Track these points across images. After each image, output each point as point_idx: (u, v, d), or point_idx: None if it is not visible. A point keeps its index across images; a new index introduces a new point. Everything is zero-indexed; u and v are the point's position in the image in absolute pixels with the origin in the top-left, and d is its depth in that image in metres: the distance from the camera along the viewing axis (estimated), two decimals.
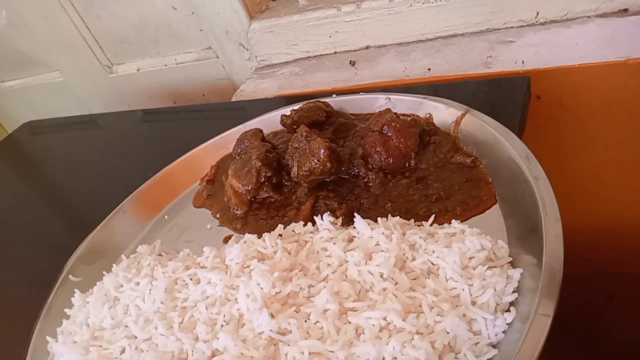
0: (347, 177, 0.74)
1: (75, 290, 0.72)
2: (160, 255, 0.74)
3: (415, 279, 0.54)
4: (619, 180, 0.93)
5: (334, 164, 0.71)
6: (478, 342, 0.47)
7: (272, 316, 0.54)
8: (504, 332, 0.48)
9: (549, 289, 0.46)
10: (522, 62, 0.89)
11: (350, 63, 1.13)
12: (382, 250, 0.57)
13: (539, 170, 0.58)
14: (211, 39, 1.38)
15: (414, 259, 0.56)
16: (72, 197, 1.15)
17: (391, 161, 0.70)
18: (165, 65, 1.55)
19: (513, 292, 0.50)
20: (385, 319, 0.50)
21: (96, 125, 1.53)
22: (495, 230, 0.58)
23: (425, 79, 0.98)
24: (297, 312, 0.55)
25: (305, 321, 0.53)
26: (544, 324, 0.44)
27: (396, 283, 0.54)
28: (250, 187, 0.76)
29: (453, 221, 0.60)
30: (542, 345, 0.43)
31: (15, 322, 0.80)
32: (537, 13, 0.94)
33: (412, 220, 0.63)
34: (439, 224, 0.61)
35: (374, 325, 0.50)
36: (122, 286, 0.68)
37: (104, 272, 0.73)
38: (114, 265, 0.74)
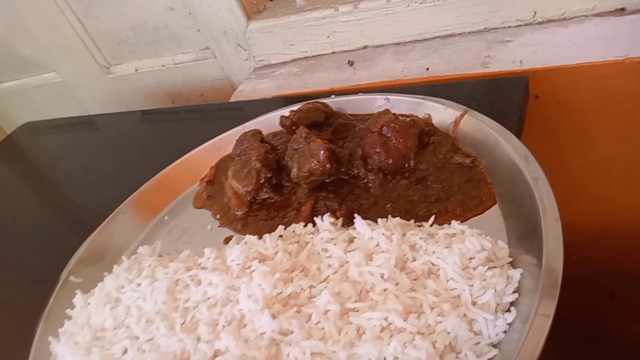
0: (346, 178, 0.74)
1: (77, 291, 0.72)
2: (160, 256, 0.74)
3: (416, 279, 0.54)
4: (618, 180, 0.93)
5: (333, 165, 0.71)
6: (479, 342, 0.47)
7: (274, 317, 0.54)
8: (504, 332, 0.48)
9: (549, 289, 0.47)
10: (520, 62, 0.89)
11: (348, 63, 1.13)
12: (382, 251, 0.57)
13: (538, 171, 0.58)
14: (209, 40, 1.38)
15: (414, 260, 0.56)
16: (71, 198, 1.16)
17: (390, 162, 0.71)
18: (163, 66, 1.55)
19: (513, 292, 0.50)
20: (386, 319, 0.50)
21: (94, 126, 1.52)
22: (495, 230, 0.58)
23: (424, 79, 0.98)
24: (299, 312, 0.55)
25: (307, 322, 0.54)
26: (544, 325, 0.45)
27: (397, 284, 0.54)
28: (250, 188, 0.76)
29: (453, 222, 0.60)
30: (542, 345, 0.43)
31: (16, 324, 0.80)
32: (535, 12, 0.95)
33: (412, 221, 0.63)
34: (439, 225, 0.61)
35: (375, 325, 0.50)
36: (123, 287, 0.68)
37: (105, 273, 0.73)
38: (114, 266, 0.74)
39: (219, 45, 1.36)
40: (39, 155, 1.48)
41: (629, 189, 0.93)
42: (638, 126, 0.86)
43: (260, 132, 0.85)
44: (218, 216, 0.80)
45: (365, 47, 1.15)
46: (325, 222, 0.65)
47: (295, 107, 0.85)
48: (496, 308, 0.49)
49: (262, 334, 0.54)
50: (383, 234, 0.59)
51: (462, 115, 0.73)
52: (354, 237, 0.61)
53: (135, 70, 1.61)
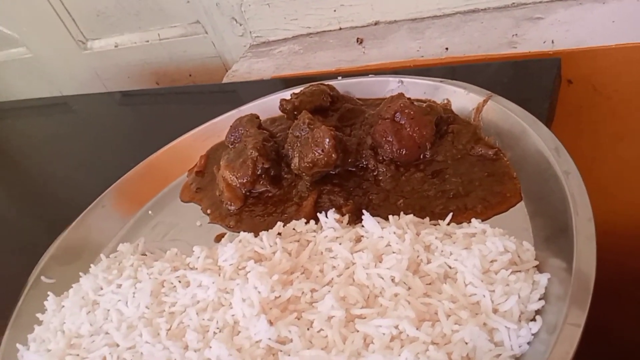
0: (354, 169, 0.75)
1: (49, 293, 0.72)
2: (144, 255, 0.75)
3: (430, 283, 0.55)
4: None
5: (339, 155, 0.72)
6: (500, 354, 0.48)
7: (271, 323, 0.55)
8: (528, 343, 0.48)
9: (579, 296, 0.47)
10: (552, 42, 0.90)
11: (357, 41, 1.14)
12: (393, 252, 0.58)
13: (570, 164, 0.59)
14: (200, 12, 1.39)
15: (429, 262, 0.57)
16: (43, 189, 1.17)
17: (404, 152, 0.71)
18: (147, 41, 1.56)
19: (539, 299, 0.51)
20: (396, 327, 0.51)
21: (69, 109, 1.54)
22: (520, 230, 0.59)
23: (442, 60, 0.99)
24: (299, 319, 0.56)
25: (308, 329, 0.54)
26: (573, 335, 0.45)
27: (409, 288, 0.55)
28: (245, 180, 0.77)
29: (473, 220, 0.60)
30: (571, 358, 0.44)
31: None
32: None
33: (427, 218, 0.64)
34: (457, 223, 0.62)
35: (384, 334, 0.51)
36: (101, 289, 0.69)
37: (81, 274, 0.74)
38: (92, 265, 0.75)
39: (210, 18, 1.36)
40: (5, 141, 1.49)
41: None
42: None
43: (257, 117, 0.86)
44: (209, 211, 0.81)
45: (376, 23, 1.15)
46: (329, 218, 0.65)
47: (297, 90, 0.86)
48: (520, 316, 0.50)
49: (257, 342, 0.55)
50: (394, 233, 0.59)
51: (485, 101, 0.74)
52: (362, 236, 0.62)
53: (116, 46, 1.62)
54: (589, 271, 0.48)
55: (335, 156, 0.71)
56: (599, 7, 0.92)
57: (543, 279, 0.52)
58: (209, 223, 0.79)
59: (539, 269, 0.54)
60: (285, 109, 0.84)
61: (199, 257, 0.67)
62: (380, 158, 0.73)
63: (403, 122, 0.72)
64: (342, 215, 0.67)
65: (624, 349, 0.77)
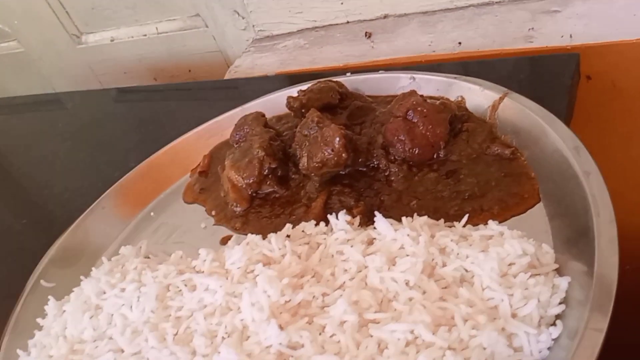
0: (364, 169, 0.76)
1: (49, 297, 0.73)
2: (147, 257, 0.76)
3: (446, 287, 0.56)
4: None
5: (350, 155, 0.72)
6: None
7: (282, 328, 0.56)
8: (549, 348, 0.49)
9: (601, 300, 0.48)
10: (570, 36, 0.90)
11: (365, 35, 1.14)
12: (407, 255, 0.59)
13: (591, 164, 0.60)
14: (200, 5, 1.39)
15: (444, 265, 0.58)
16: (39, 191, 1.17)
17: (417, 152, 0.72)
18: (145, 35, 1.56)
19: (560, 303, 0.51)
20: (412, 332, 0.52)
21: (62, 106, 1.54)
22: (539, 232, 0.60)
23: (455, 55, 0.99)
24: (310, 323, 0.57)
25: (320, 334, 0.55)
26: (595, 340, 0.46)
27: (424, 292, 0.55)
28: (251, 181, 0.78)
29: (490, 222, 0.61)
30: None
31: None
32: None
33: (442, 220, 0.65)
34: (474, 225, 0.62)
35: (399, 339, 0.52)
36: (104, 293, 0.70)
37: (82, 277, 0.75)
38: (93, 269, 0.76)
39: (211, 11, 1.37)
40: None
41: None
42: None
43: (263, 115, 0.86)
44: (213, 213, 0.81)
45: (385, 17, 1.16)
46: (340, 220, 0.66)
47: (304, 87, 0.87)
48: (539, 321, 0.51)
49: (268, 347, 0.56)
50: (408, 235, 0.60)
51: (501, 99, 0.74)
52: (374, 239, 0.63)
53: (112, 41, 1.63)
54: (611, 274, 0.49)
55: (346, 156, 0.72)
56: None
57: (563, 282, 0.52)
58: (213, 225, 0.80)
59: (559, 272, 0.55)
60: (293, 107, 0.85)
61: (205, 260, 0.68)
62: (392, 158, 0.74)
63: (416, 121, 0.72)
64: (353, 216, 0.68)
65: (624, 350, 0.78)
